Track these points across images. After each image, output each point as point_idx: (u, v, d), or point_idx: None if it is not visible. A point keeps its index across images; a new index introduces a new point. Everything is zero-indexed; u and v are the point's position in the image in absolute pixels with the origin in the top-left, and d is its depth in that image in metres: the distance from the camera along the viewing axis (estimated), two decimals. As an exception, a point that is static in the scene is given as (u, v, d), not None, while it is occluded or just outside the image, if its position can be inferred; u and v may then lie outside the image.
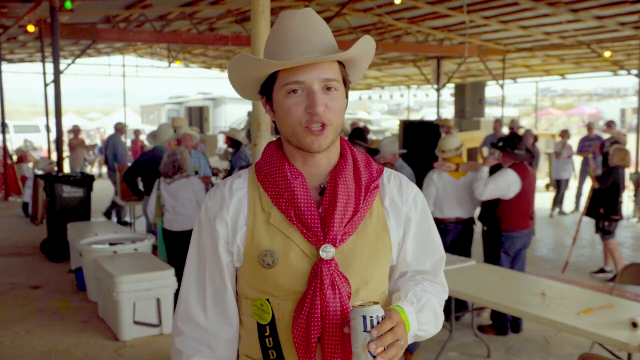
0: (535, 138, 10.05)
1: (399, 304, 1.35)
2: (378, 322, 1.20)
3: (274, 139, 1.51)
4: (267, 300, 1.35)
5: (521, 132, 11.46)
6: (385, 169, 1.49)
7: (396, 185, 1.46)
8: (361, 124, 14.57)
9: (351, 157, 1.43)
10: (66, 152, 17.65)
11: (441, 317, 1.48)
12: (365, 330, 1.19)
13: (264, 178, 1.40)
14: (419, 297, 1.40)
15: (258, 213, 1.37)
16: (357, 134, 5.30)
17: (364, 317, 1.20)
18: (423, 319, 1.38)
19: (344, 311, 1.31)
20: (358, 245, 1.37)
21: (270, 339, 1.36)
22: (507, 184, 4.85)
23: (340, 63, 1.36)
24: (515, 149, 4.91)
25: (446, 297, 1.53)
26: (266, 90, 1.38)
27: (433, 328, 1.44)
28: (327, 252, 1.31)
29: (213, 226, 1.39)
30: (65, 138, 19.40)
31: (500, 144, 4.99)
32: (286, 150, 1.41)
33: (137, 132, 16.58)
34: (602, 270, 6.83)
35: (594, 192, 6.72)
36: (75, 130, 13.59)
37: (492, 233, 5.01)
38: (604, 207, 6.58)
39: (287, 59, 1.30)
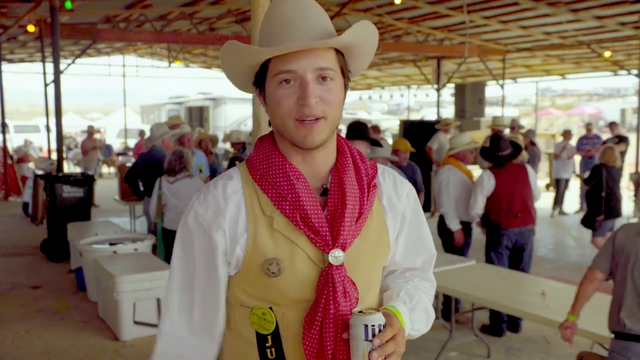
0: (532, 143, 10.05)
1: (392, 304, 1.30)
2: (380, 331, 1.16)
3: None
4: (270, 308, 1.27)
5: (523, 131, 11.49)
6: (378, 164, 1.41)
7: (391, 182, 1.40)
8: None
9: (349, 152, 1.35)
10: (70, 153, 17.79)
11: (432, 315, 1.43)
12: (366, 339, 1.16)
13: (260, 178, 1.28)
14: (412, 296, 1.36)
15: (259, 217, 1.26)
16: (356, 131, 4.59)
17: (366, 326, 1.16)
18: (415, 318, 1.34)
19: None
20: (362, 248, 1.30)
21: (273, 349, 1.27)
22: (480, 186, 4.93)
23: (339, 52, 1.26)
24: (497, 152, 4.94)
25: (434, 292, 1.49)
26: (259, 81, 1.28)
27: (425, 327, 1.39)
28: (337, 257, 1.24)
29: (210, 237, 1.27)
30: (79, 139, 19.45)
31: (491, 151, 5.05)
32: (281, 146, 1.30)
33: (142, 133, 16.59)
34: None
35: (586, 194, 6.89)
36: (90, 132, 13.67)
37: (487, 231, 5.10)
38: (587, 206, 6.71)
39: (277, 46, 1.20)
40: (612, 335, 2.99)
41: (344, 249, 1.24)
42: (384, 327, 1.17)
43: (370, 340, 1.15)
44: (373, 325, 1.16)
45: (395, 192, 1.39)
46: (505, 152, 4.93)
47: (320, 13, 1.26)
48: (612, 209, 6.61)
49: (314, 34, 1.22)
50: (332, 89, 1.23)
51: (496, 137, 5.12)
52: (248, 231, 1.25)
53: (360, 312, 1.18)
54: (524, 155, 7.82)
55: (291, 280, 1.25)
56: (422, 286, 1.44)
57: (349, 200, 1.26)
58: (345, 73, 1.28)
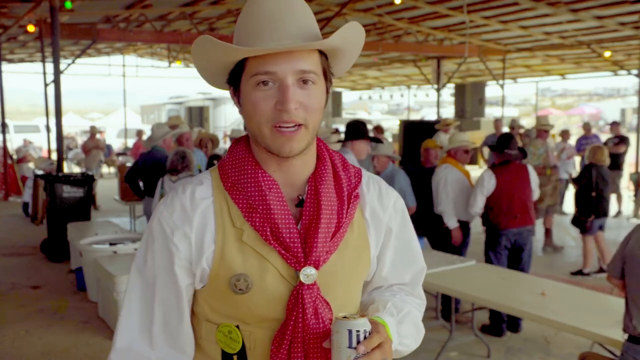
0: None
1: (378, 315, 1.20)
2: (365, 337, 1.05)
3: None
4: (237, 327, 1.18)
5: (522, 131, 11.49)
6: (363, 172, 1.30)
7: (376, 192, 1.29)
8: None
9: (329, 160, 1.24)
10: (70, 153, 17.83)
11: (422, 329, 1.34)
12: (350, 347, 1.04)
13: (232, 187, 1.19)
14: (399, 308, 1.26)
15: (228, 229, 1.16)
16: (355, 131, 4.59)
17: (350, 332, 1.04)
18: (404, 331, 1.24)
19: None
20: (339, 266, 1.19)
21: None
22: (481, 186, 4.93)
23: (322, 53, 1.16)
24: (506, 149, 4.95)
25: (423, 310, 1.39)
26: (234, 80, 1.18)
27: (414, 342, 1.30)
28: (309, 275, 1.14)
29: (171, 241, 1.17)
30: (79, 139, 19.54)
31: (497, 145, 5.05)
32: (256, 152, 1.20)
33: (139, 133, 16.59)
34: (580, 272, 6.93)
35: (576, 194, 6.94)
36: (92, 133, 13.72)
37: (486, 230, 5.11)
38: (577, 206, 6.73)
39: (256, 45, 1.10)
40: (625, 336, 3.02)
41: (317, 266, 1.15)
42: (369, 334, 1.06)
43: (355, 348, 1.04)
44: (358, 331, 1.05)
45: (380, 203, 1.28)
46: (513, 152, 4.96)
47: (305, 12, 1.16)
48: (601, 208, 6.64)
49: (296, 34, 1.12)
50: (314, 94, 1.13)
51: (508, 135, 5.16)
52: (216, 243, 1.16)
53: (345, 317, 1.07)
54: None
55: (260, 298, 1.15)
56: (410, 300, 1.34)
57: (323, 213, 1.16)
58: (327, 76, 1.19)
